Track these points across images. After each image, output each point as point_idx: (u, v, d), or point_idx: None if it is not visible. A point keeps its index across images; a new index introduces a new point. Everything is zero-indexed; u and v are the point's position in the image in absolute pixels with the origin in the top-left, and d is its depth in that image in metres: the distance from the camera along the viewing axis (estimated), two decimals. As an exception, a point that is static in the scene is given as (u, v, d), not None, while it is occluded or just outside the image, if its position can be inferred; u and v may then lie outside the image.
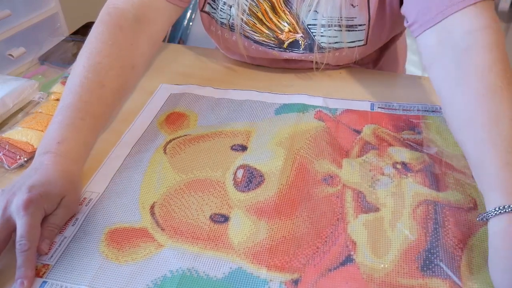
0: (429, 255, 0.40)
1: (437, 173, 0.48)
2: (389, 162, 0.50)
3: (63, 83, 0.63)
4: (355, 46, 0.60)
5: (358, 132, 0.55)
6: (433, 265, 0.39)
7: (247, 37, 0.62)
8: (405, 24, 0.52)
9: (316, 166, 0.50)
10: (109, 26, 0.56)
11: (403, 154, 0.51)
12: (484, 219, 0.39)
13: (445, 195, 0.46)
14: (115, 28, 0.56)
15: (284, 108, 0.59)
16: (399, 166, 0.49)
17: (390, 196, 0.46)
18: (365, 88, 0.64)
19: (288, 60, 0.66)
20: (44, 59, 0.72)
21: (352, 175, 0.49)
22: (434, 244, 0.41)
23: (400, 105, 0.59)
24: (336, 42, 0.59)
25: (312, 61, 0.64)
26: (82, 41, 0.75)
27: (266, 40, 0.61)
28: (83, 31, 0.79)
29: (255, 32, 0.61)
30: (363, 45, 0.60)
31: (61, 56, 0.72)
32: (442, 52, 0.47)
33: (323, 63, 0.62)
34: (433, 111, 0.58)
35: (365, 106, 0.60)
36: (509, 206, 0.36)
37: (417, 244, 0.41)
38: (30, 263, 0.39)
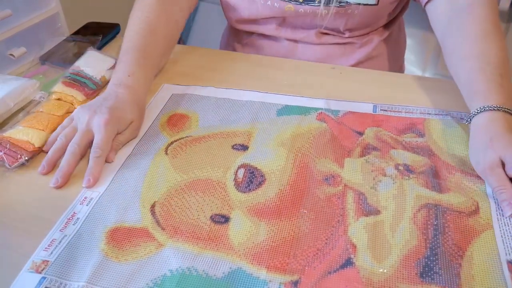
0: (429, 262, 0.41)
1: (439, 175, 0.49)
2: (391, 164, 0.51)
3: (64, 82, 0.64)
4: (367, 4, 0.66)
5: (361, 134, 0.56)
6: (432, 272, 0.40)
7: None
8: None
9: (318, 165, 0.51)
10: None
11: (405, 157, 0.52)
12: (469, 119, 0.52)
13: (447, 197, 0.46)
14: None
15: (286, 110, 0.61)
16: (401, 168, 0.50)
17: (391, 198, 0.47)
18: (367, 89, 0.65)
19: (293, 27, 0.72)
20: (45, 59, 0.73)
21: (354, 175, 0.50)
22: (434, 252, 0.41)
23: (403, 107, 0.60)
24: None
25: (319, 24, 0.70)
26: (83, 41, 0.76)
27: None
28: (84, 31, 0.80)
29: None
30: (375, 4, 0.66)
31: (62, 56, 0.73)
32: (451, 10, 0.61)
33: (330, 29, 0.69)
34: (436, 114, 0.59)
35: (367, 108, 0.61)
36: (486, 107, 0.50)
37: (417, 250, 0.42)
38: (98, 167, 0.51)
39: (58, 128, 0.56)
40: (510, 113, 0.49)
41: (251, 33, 0.78)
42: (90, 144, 0.53)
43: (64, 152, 0.52)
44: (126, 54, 0.61)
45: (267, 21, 0.73)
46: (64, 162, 0.51)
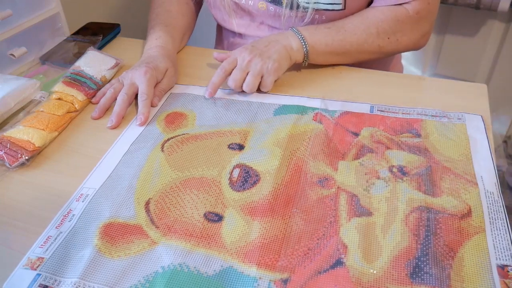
0: (419, 263, 0.42)
1: (433, 177, 0.50)
2: (385, 166, 0.52)
3: (64, 82, 0.66)
4: (333, 10, 0.68)
5: (356, 134, 0.57)
6: (422, 272, 0.41)
7: None
8: None
9: (312, 167, 0.53)
10: None
11: (400, 157, 0.53)
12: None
13: (439, 201, 0.48)
14: None
15: (283, 109, 0.62)
16: (395, 170, 0.52)
17: (384, 201, 0.48)
18: (364, 89, 0.67)
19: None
20: (45, 59, 0.75)
21: (347, 178, 0.51)
22: (424, 252, 0.43)
23: (400, 108, 0.62)
24: (315, 2, 0.68)
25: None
26: (83, 41, 0.79)
27: None
28: (84, 31, 0.83)
29: None
30: (342, 9, 0.69)
31: (62, 56, 0.75)
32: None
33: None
34: (433, 116, 0.60)
35: (364, 108, 0.62)
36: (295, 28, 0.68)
37: (407, 251, 0.43)
38: (146, 107, 0.62)
39: (106, 85, 0.69)
40: (297, 34, 0.67)
41: (234, 34, 0.81)
42: (135, 95, 0.65)
43: (109, 106, 0.64)
44: (151, 29, 0.76)
45: (242, 18, 0.76)
46: (116, 106, 0.62)
